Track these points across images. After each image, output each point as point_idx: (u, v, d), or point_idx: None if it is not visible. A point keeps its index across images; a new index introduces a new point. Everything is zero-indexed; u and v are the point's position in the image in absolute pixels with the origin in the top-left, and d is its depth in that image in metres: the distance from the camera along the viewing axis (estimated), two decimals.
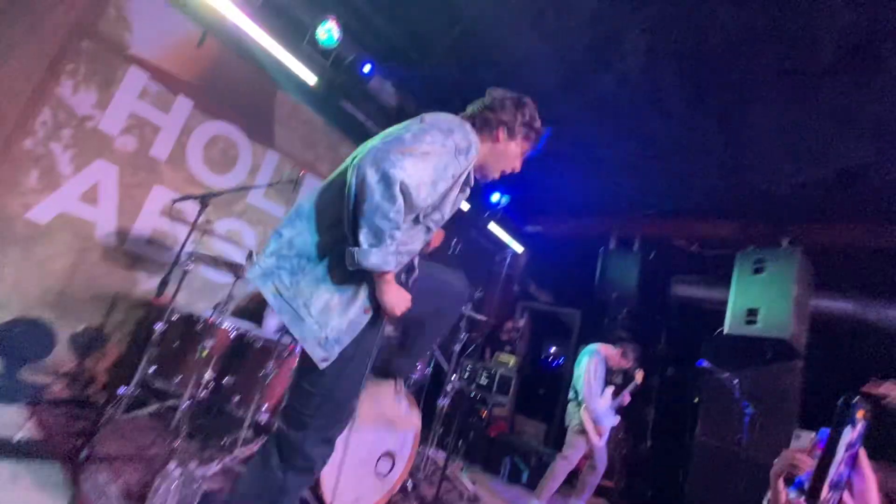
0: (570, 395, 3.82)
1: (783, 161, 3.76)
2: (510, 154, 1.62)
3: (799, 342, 4.01)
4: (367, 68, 3.59)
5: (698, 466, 4.21)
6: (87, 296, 2.94)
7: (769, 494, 2.29)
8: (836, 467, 0.49)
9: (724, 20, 2.67)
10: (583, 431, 3.64)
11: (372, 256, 1.23)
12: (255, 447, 2.33)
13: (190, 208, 3.13)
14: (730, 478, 3.91)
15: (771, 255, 4.23)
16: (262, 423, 2.61)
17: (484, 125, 1.57)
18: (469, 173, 1.49)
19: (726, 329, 4.24)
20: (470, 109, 1.62)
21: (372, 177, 1.20)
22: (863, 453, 0.50)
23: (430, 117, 1.39)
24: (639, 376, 4.00)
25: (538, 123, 1.64)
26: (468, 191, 1.55)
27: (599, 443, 3.67)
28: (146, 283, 3.16)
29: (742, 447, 3.47)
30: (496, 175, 1.66)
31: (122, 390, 2.59)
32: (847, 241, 4.20)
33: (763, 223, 4.49)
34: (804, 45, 2.67)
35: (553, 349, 6.99)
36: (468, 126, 1.47)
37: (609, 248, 5.45)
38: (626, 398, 3.98)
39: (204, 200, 2.34)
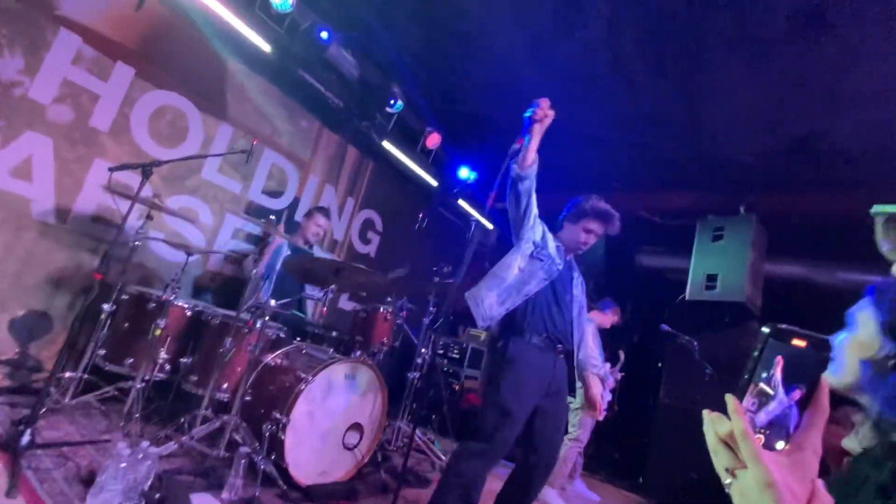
0: None
1: (740, 129, 3.84)
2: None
3: (754, 304, 4.18)
4: (324, 35, 3.44)
5: (662, 428, 4.38)
6: (27, 278, 2.75)
7: None
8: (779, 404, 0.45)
9: None
10: (583, 408, 3.34)
11: None
12: (214, 425, 2.24)
13: (137, 182, 2.96)
14: (691, 437, 4.10)
15: (729, 222, 4.37)
16: (223, 402, 2.53)
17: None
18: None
19: (687, 295, 4.38)
20: None
21: None
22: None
23: None
24: (621, 354, 4.00)
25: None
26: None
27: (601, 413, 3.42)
28: (93, 263, 2.97)
29: (700, 406, 3.61)
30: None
31: (67, 375, 2.46)
32: (799, 208, 4.36)
33: (722, 192, 4.61)
34: (758, 11, 2.70)
35: None
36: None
37: None
38: (615, 375, 3.88)
39: (146, 170, 2.19)
